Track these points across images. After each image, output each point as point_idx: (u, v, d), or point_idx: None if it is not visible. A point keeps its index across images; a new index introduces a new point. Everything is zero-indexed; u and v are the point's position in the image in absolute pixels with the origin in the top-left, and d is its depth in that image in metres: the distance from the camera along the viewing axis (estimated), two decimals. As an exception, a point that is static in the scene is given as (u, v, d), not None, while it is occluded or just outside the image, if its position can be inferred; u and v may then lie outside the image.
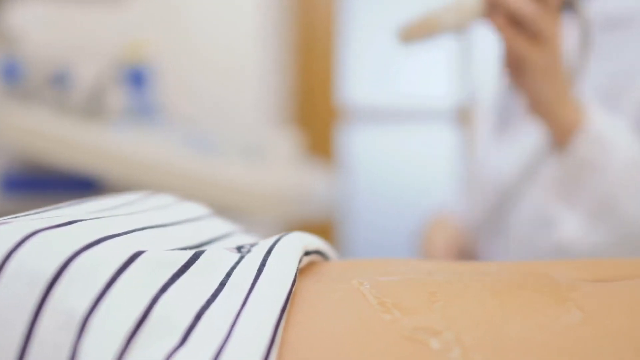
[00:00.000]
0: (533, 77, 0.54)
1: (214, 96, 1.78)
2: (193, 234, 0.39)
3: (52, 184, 1.41)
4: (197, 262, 0.32)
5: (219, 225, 0.44)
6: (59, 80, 1.59)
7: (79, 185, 1.37)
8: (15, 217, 0.34)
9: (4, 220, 0.32)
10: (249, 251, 0.35)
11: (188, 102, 1.76)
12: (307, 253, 0.37)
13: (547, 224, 0.63)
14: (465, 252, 0.85)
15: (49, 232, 0.30)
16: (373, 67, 2.20)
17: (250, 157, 1.50)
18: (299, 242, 0.36)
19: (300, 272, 0.35)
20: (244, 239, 0.42)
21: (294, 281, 0.32)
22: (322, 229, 1.80)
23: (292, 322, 0.30)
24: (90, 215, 0.35)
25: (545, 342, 0.29)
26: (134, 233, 0.34)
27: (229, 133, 1.66)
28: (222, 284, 0.32)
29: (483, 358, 0.28)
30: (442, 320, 0.30)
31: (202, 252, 0.33)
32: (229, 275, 0.32)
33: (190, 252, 0.33)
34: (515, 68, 0.55)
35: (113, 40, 1.64)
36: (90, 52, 1.63)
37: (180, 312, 0.29)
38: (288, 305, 0.30)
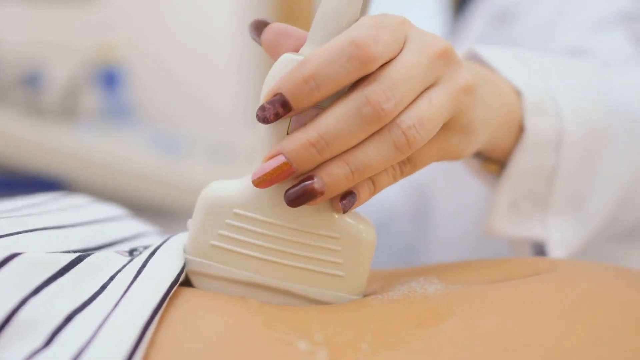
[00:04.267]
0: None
1: (188, 96, 1.78)
2: (96, 235, 0.39)
3: (19, 185, 1.41)
4: (78, 265, 0.32)
5: (131, 226, 0.44)
6: (31, 81, 1.58)
7: (46, 187, 1.36)
8: None
9: None
10: (140, 253, 0.35)
11: (161, 102, 1.76)
12: None
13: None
14: None
15: None
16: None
17: (220, 158, 1.50)
18: None
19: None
20: (153, 241, 0.42)
21: (176, 280, 0.32)
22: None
23: (168, 322, 0.30)
24: (-16, 217, 0.35)
25: (412, 344, 0.29)
26: (21, 234, 0.34)
27: (202, 133, 1.66)
28: (103, 287, 0.32)
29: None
30: (314, 324, 0.30)
31: (88, 255, 0.33)
32: (112, 278, 0.32)
33: (73, 255, 0.33)
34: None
35: (85, 40, 1.63)
36: (63, 52, 1.63)
37: (50, 314, 0.29)
38: (164, 305, 0.30)
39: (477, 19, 0.79)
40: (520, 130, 0.42)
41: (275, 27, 0.35)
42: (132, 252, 0.36)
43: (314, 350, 0.29)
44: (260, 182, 0.32)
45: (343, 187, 0.31)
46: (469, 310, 0.30)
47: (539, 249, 0.47)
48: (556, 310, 0.30)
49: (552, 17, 0.68)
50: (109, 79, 1.64)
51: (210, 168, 1.49)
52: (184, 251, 0.35)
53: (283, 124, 0.32)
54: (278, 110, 0.31)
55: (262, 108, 0.31)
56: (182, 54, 1.78)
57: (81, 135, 1.45)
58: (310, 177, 0.31)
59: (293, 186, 0.31)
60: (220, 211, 0.34)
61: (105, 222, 0.42)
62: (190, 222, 0.35)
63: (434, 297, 0.32)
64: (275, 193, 0.33)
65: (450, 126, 0.35)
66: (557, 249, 0.45)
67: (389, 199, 0.84)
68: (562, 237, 0.45)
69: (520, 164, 0.43)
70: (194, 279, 0.35)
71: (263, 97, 0.32)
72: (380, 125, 0.31)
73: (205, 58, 1.77)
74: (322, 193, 0.31)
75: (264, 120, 0.31)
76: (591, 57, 0.58)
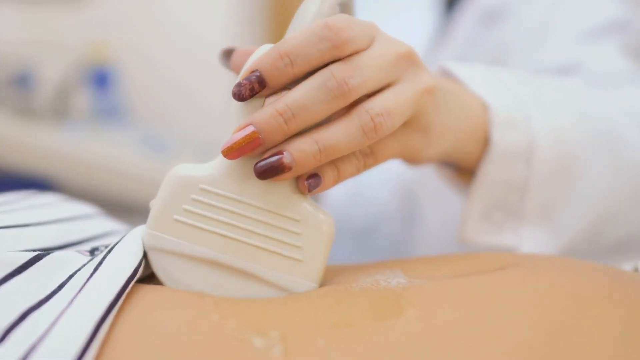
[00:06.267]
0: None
1: (178, 97, 1.78)
2: (61, 234, 0.39)
3: (9, 185, 1.40)
4: (37, 264, 0.32)
5: (101, 225, 0.44)
6: (22, 81, 1.58)
7: (36, 187, 1.36)
8: None
9: None
10: (101, 252, 0.35)
11: (152, 102, 1.75)
12: None
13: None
14: None
15: None
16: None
17: (210, 158, 1.50)
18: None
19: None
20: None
21: (133, 275, 0.32)
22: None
23: (124, 320, 0.30)
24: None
25: (369, 338, 0.29)
26: None
27: (192, 134, 1.65)
28: (61, 286, 0.32)
29: (304, 356, 0.28)
30: (271, 319, 0.30)
31: (47, 254, 0.33)
32: (70, 277, 0.32)
33: (33, 254, 0.33)
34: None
35: (76, 40, 1.63)
36: (54, 52, 1.62)
37: (5, 311, 0.29)
38: (120, 302, 0.30)
39: (466, 19, 0.79)
40: (487, 142, 0.43)
41: (242, 51, 0.38)
42: (93, 252, 0.36)
43: (270, 347, 0.28)
44: (229, 152, 0.33)
45: (310, 165, 0.33)
46: (429, 303, 0.30)
47: None
48: (516, 305, 0.29)
49: (542, 20, 0.68)
50: (100, 79, 1.63)
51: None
52: (146, 226, 0.34)
53: (256, 104, 0.33)
54: (254, 85, 0.33)
55: (239, 84, 0.33)
56: (173, 54, 1.77)
57: (72, 135, 1.45)
58: (280, 152, 0.32)
59: (263, 159, 0.33)
60: (187, 186, 0.34)
61: (72, 220, 0.42)
62: (153, 202, 0.35)
63: (395, 290, 0.32)
64: (243, 171, 0.34)
65: (411, 124, 0.37)
66: None
67: (380, 201, 0.84)
68: (534, 247, 0.46)
69: (489, 174, 0.44)
70: (151, 255, 0.34)
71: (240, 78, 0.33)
72: (344, 102, 0.32)
73: (196, 58, 1.76)
74: (290, 168, 0.32)
75: (239, 96, 0.33)
76: (583, 72, 0.58)
